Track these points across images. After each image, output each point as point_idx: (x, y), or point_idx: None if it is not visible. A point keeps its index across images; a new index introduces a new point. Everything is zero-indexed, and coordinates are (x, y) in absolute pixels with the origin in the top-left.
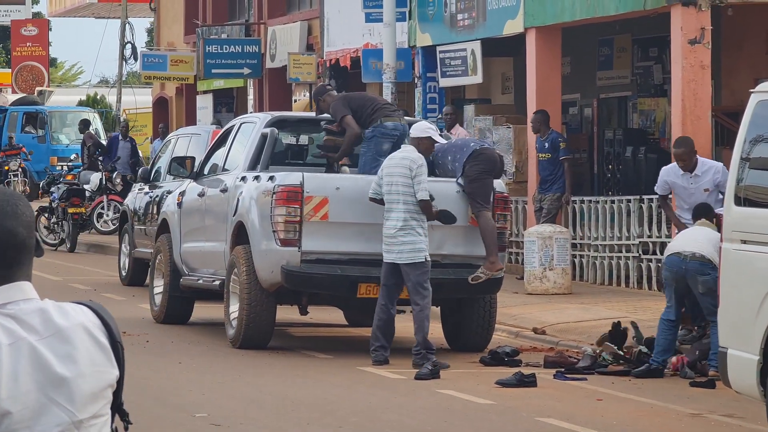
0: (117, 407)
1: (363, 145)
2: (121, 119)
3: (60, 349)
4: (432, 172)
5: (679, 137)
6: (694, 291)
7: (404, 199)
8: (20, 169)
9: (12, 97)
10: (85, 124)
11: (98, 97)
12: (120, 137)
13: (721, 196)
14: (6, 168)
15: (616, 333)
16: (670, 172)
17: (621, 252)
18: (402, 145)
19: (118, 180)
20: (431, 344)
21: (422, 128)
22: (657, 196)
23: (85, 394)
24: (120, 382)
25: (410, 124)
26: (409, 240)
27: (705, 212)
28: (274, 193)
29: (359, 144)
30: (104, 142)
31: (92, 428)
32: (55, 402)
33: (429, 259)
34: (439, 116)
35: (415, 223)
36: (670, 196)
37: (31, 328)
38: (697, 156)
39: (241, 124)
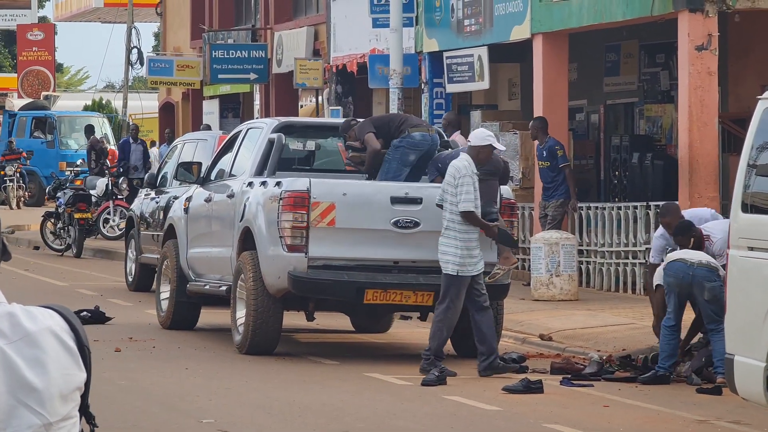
0: (84, 410)
1: (389, 152)
2: (130, 123)
3: (28, 353)
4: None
5: (664, 205)
6: (698, 298)
7: (450, 208)
8: (17, 174)
9: (18, 102)
10: (90, 130)
11: (104, 102)
12: (131, 140)
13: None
14: (2, 173)
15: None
16: (664, 235)
17: (627, 258)
18: (461, 153)
19: (125, 185)
20: (443, 354)
21: (482, 136)
22: (648, 263)
23: (55, 397)
24: (87, 385)
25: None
26: (445, 250)
27: (683, 231)
28: (281, 198)
29: (381, 159)
30: (113, 147)
31: (62, 430)
32: (25, 405)
33: (462, 274)
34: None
35: (454, 233)
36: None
37: None
38: (682, 213)
39: (247, 129)
